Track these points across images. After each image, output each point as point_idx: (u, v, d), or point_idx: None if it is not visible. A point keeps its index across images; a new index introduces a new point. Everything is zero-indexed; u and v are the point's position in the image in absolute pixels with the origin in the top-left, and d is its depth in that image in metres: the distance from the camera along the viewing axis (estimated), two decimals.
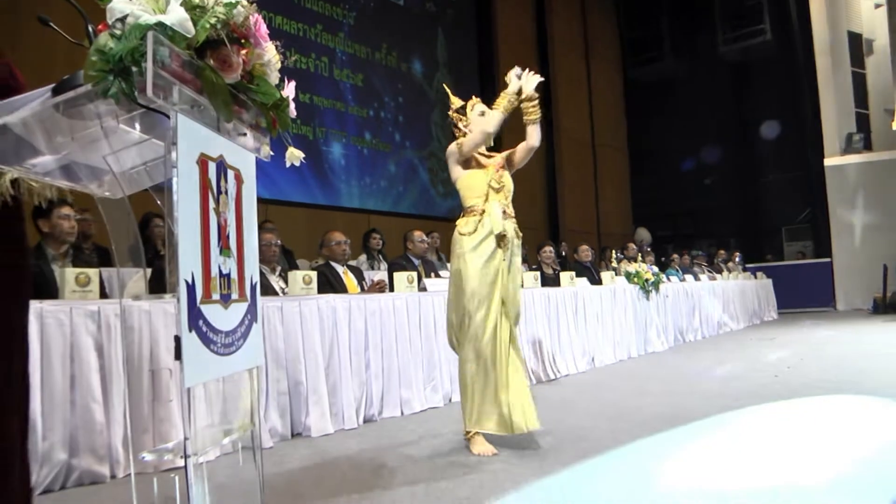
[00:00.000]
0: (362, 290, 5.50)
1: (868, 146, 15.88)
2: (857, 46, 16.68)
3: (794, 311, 14.34)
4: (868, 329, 9.66)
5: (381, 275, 6.35)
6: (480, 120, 3.68)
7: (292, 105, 2.06)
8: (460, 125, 3.79)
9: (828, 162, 15.56)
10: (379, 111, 11.44)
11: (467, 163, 3.70)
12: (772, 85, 16.93)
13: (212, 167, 1.80)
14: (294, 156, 2.15)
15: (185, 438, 1.47)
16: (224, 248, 1.87)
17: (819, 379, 5.29)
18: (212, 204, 1.80)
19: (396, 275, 5.07)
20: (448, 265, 7.42)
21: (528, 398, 3.53)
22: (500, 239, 3.55)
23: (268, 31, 1.88)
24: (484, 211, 3.59)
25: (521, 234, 3.71)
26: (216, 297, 1.80)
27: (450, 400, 4.98)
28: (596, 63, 16.65)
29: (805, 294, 15.04)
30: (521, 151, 3.78)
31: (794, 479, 2.76)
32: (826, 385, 4.96)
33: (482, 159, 3.76)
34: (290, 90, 2.05)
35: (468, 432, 3.51)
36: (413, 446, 3.67)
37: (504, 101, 3.59)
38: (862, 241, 14.93)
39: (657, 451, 3.35)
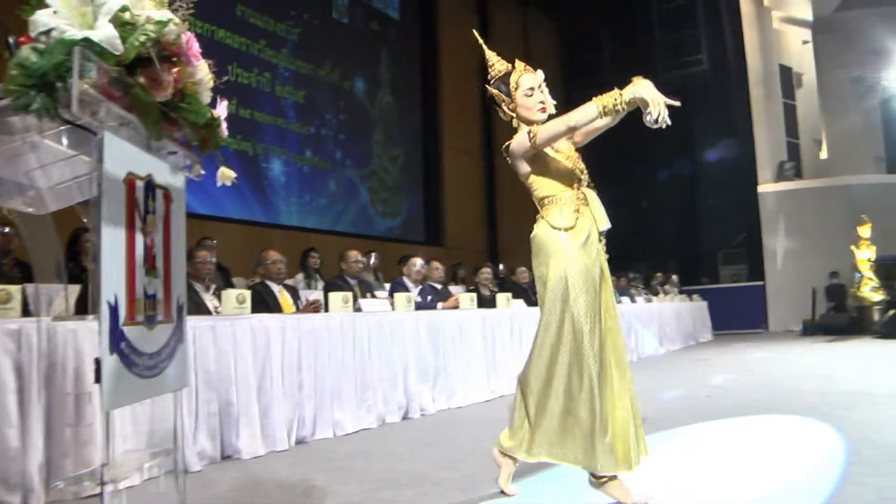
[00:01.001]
0: (297, 309, 5.45)
1: (798, 174, 16.54)
2: (788, 79, 17.42)
3: (729, 332, 14.70)
4: (797, 350, 9.98)
5: (317, 294, 6.30)
6: (539, 115, 2.90)
7: (224, 125, 2.04)
8: (504, 107, 2.99)
9: (761, 189, 16.12)
10: (320, 128, 11.38)
11: (541, 153, 2.89)
12: (709, 113, 17.41)
13: (139, 186, 1.77)
14: (225, 175, 2.13)
15: (103, 465, 1.43)
16: (150, 269, 1.83)
17: (750, 399, 5.43)
18: (138, 224, 1.76)
19: (331, 295, 5.05)
20: (386, 286, 7.47)
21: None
22: (602, 236, 2.90)
23: (200, 51, 1.86)
24: (580, 202, 2.89)
25: (601, 230, 2.95)
26: (140, 318, 1.76)
27: (383, 421, 4.95)
28: None
29: (739, 316, 15.46)
30: (590, 133, 3.03)
31: (722, 498, 2.82)
32: (756, 405, 5.09)
33: (557, 143, 2.93)
34: (221, 109, 2.03)
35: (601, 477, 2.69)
36: (345, 468, 3.64)
37: (609, 100, 2.70)
38: (792, 265, 15.47)
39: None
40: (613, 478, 2.68)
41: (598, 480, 2.71)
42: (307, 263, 7.96)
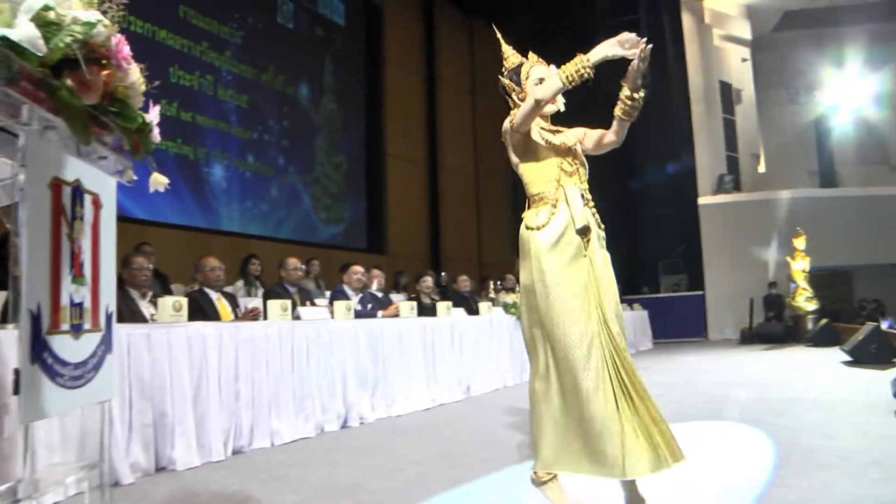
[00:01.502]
0: (236, 317, 5.37)
1: (737, 187, 17.02)
2: (728, 95, 17.97)
3: (669, 341, 14.97)
4: (735, 358, 10.28)
5: (256, 302, 6.20)
6: (535, 89, 2.81)
7: (156, 130, 2.00)
8: (514, 97, 2.97)
9: (701, 201, 16.51)
10: (263, 134, 11.25)
11: (529, 143, 2.85)
12: (651, 126, 17.75)
13: (66, 191, 1.73)
14: (158, 181, 2.09)
15: (18, 481, 1.39)
16: (77, 276, 1.78)
17: (686, 406, 5.54)
18: (65, 230, 1.72)
19: (270, 303, 4.98)
20: (326, 293, 7.42)
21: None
22: (583, 233, 2.78)
23: (133, 54, 1.82)
24: (558, 199, 2.82)
25: (603, 226, 2.95)
26: (66, 327, 1.71)
27: (322, 430, 4.90)
28: (482, 97, 17.03)
29: (679, 325, 15.78)
30: (596, 140, 2.96)
31: (655, 502, 2.87)
32: (692, 412, 5.20)
33: (549, 136, 2.89)
34: (154, 114, 1.99)
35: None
36: (281, 478, 3.59)
37: (572, 68, 2.59)
38: (731, 275, 15.87)
39: (525, 478, 3.40)
40: (553, 479, 2.71)
41: (538, 479, 2.74)
42: (248, 270, 7.84)
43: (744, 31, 18.65)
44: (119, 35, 1.74)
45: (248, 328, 4.52)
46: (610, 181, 18.34)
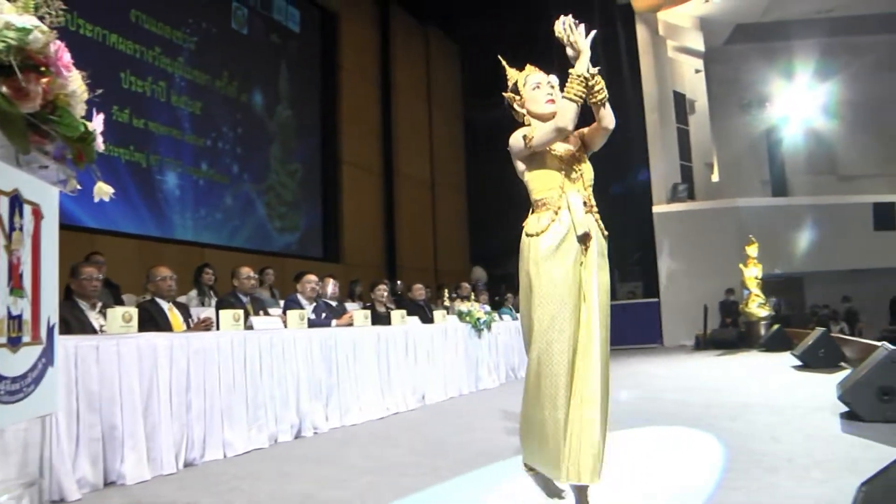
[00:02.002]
0: (188, 327, 5.30)
1: (691, 196, 17.31)
2: (682, 105, 18.32)
3: (625, 347, 15.13)
4: (689, 364, 10.44)
5: (209, 312, 6.13)
6: (546, 107, 3.00)
7: (100, 139, 1.97)
8: (515, 106, 3.14)
9: (656, 209, 16.77)
10: (217, 141, 11.11)
11: (536, 153, 2.94)
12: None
13: (3, 202, 1.69)
14: (102, 191, 2.06)
15: None
16: (15, 288, 1.75)
17: (641, 410, 5.62)
18: (2, 241, 1.68)
19: (222, 312, 4.92)
20: (281, 302, 7.35)
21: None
22: (584, 240, 2.85)
23: (73, 61, 1.79)
24: (560, 206, 2.88)
25: (607, 233, 3.01)
26: (3, 340, 1.68)
27: (275, 440, 4.86)
28: (437, 106, 17.09)
29: (635, 331, 15.96)
30: (595, 134, 3.04)
31: None
32: (645, 417, 5.27)
33: (555, 145, 2.96)
34: (97, 122, 1.96)
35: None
36: (233, 490, 3.55)
37: (575, 84, 2.76)
38: (685, 282, 16.13)
39: (477, 486, 3.41)
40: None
41: (526, 467, 3.02)
42: (201, 280, 7.76)
43: (697, 43, 19.05)
44: (59, 42, 1.71)
45: (200, 338, 4.46)
46: None
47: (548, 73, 3.05)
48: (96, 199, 2.08)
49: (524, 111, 3.09)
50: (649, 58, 17.79)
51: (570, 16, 2.78)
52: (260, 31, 12.25)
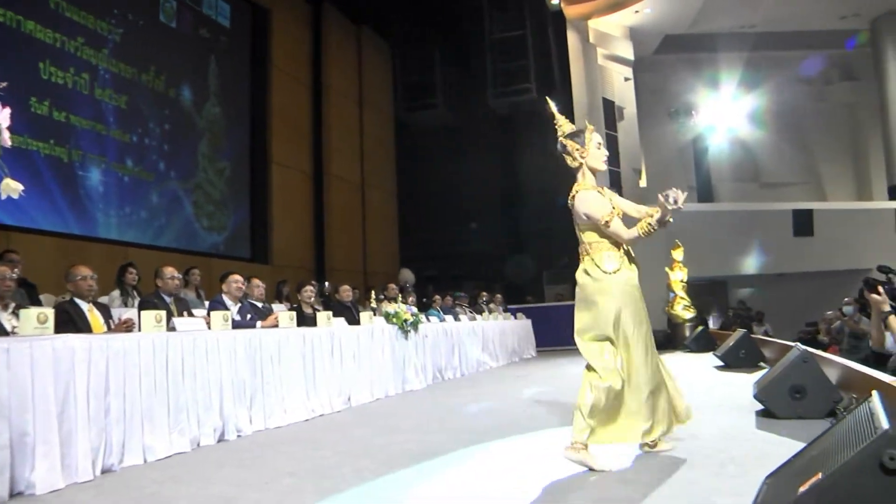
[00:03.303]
0: (109, 328, 5.20)
1: None
2: (611, 112, 18.75)
3: (553, 348, 15.35)
4: None
5: (131, 313, 6.02)
6: (603, 165, 3.92)
7: (6, 133, 1.95)
8: (575, 154, 3.84)
9: None
10: (143, 137, 10.83)
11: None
12: (537, 139, 18.23)
13: None
14: (10, 187, 2.04)
15: None
16: None
17: (565, 411, 5.74)
18: None
19: (144, 313, 4.85)
20: (206, 302, 7.27)
21: None
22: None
23: None
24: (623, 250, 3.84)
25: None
26: None
27: (198, 444, 4.79)
28: (369, 108, 17.04)
29: (563, 333, 16.00)
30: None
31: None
32: (564, 417, 5.40)
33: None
34: (3, 117, 1.94)
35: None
36: (152, 495, 3.52)
37: (646, 225, 3.56)
38: None
39: (399, 487, 3.47)
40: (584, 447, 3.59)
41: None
42: (124, 279, 7.58)
43: (626, 51, 19.50)
44: None
45: (121, 340, 4.38)
46: (497, 193, 18.80)
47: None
48: (3, 196, 2.05)
49: (582, 160, 3.82)
50: (580, 64, 18.11)
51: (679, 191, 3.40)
52: (189, 25, 12.01)
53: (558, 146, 3.93)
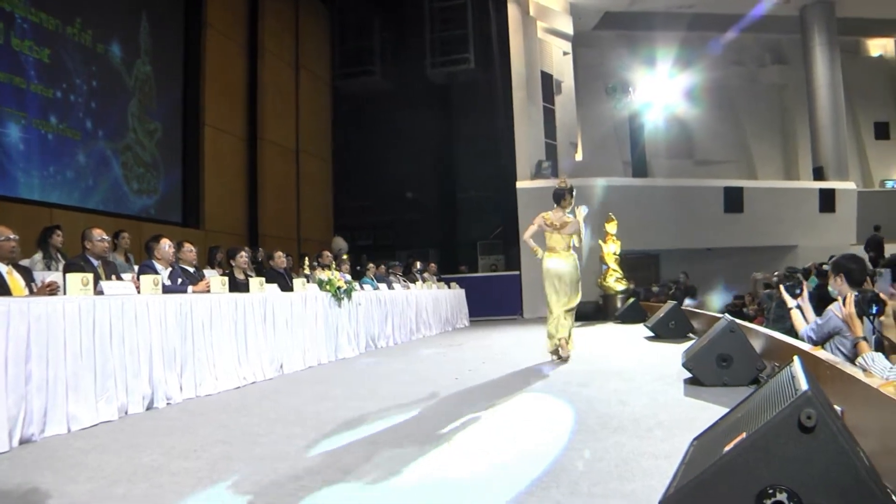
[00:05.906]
0: (31, 292, 5.01)
1: (555, 173, 17.90)
2: (549, 85, 18.89)
3: (486, 318, 15.57)
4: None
5: (55, 276, 5.82)
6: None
7: None
8: (569, 198, 7.16)
9: (519, 185, 17.18)
10: (68, 93, 10.34)
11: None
12: (474, 110, 18.28)
13: None
14: None
15: None
16: None
17: (496, 380, 5.85)
18: None
19: (70, 276, 4.67)
20: (135, 267, 7.08)
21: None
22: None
23: None
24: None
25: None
26: None
27: (125, 412, 4.68)
28: (305, 73, 16.71)
29: (496, 303, 16.43)
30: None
31: (458, 468, 3.07)
32: (502, 385, 5.57)
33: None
34: None
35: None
36: (77, 465, 3.40)
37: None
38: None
39: (329, 452, 3.45)
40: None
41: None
42: (50, 242, 7.28)
43: (566, 26, 19.61)
44: None
45: (43, 303, 4.21)
46: (433, 163, 18.76)
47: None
48: None
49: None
50: (519, 37, 18.13)
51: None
52: None
53: (568, 191, 7.12)
